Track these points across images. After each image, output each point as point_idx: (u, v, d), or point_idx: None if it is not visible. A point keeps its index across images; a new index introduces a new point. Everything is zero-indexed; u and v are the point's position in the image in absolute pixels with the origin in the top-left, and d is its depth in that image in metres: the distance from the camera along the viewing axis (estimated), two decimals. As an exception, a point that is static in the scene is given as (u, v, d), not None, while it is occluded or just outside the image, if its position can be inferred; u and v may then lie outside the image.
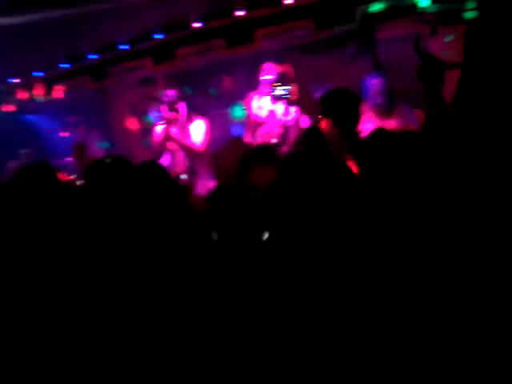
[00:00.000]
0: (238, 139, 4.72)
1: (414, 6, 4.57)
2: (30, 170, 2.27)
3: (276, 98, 2.15)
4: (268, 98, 4.88)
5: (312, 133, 2.95)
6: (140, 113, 6.20)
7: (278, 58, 5.51)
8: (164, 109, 5.01)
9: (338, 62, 5.36)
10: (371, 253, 1.24)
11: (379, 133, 1.99)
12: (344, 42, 5.24)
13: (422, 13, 4.62)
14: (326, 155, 1.49)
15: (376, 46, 5.25)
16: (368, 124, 4.49)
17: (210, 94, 5.24)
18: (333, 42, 5.18)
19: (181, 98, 5.01)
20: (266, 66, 4.71)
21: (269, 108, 4.79)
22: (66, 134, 6.86)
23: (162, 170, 2.60)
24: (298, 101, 2.10)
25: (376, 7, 4.27)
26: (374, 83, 4.39)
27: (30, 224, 2.05)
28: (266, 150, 2.34)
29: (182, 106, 4.98)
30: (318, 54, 5.37)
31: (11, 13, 4.12)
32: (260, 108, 4.82)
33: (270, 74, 4.71)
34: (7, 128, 6.98)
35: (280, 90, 2.14)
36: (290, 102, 2.17)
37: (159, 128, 5.11)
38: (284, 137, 4.54)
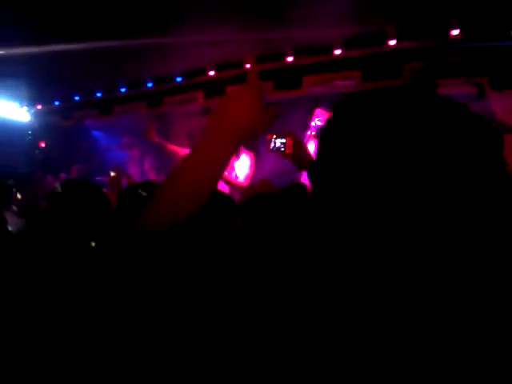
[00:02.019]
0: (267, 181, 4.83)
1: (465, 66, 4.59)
2: (72, 187, 2.39)
3: (272, 151, 2.20)
4: (313, 144, 4.97)
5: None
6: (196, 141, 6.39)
7: (330, 103, 5.64)
8: None
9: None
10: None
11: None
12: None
13: (473, 75, 4.63)
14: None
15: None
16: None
17: None
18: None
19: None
20: (318, 111, 4.83)
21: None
22: (122, 153, 7.15)
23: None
24: (291, 154, 2.15)
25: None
26: None
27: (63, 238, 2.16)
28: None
29: None
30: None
31: (78, 40, 4.46)
32: None
33: (321, 121, 4.84)
34: (66, 142, 7.40)
35: (276, 143, 2.19)
36: (284, 155, 2.21)
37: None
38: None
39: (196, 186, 1.02)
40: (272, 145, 2.17)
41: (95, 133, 7.76)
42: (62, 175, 6.36)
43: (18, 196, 4.04)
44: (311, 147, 4.93)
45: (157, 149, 6.82)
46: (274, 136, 2.16)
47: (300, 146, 2.19)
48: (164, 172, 6.48)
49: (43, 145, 7.80)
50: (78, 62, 5.09)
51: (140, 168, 6.97)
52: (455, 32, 4.33)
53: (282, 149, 2.16)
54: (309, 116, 5.84)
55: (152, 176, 6.66)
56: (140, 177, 6.64)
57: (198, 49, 4.68)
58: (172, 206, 1.01)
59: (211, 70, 5.32)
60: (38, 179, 4.40)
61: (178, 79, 5.63)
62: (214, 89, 5.48)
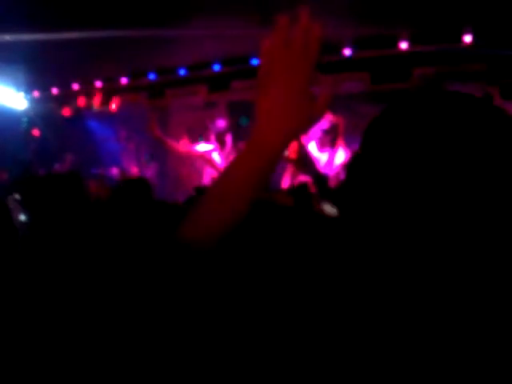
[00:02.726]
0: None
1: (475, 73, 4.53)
2: (56, 179, 2.32)
3: None
4: (314, 144, 4.91)
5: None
6: (196, 135, 6.36)
7: (335, 103, 5.53)
8: (211, 138, 5.13)
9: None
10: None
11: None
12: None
13: (484, 83, 4.57)
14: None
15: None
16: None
17: (241, 122, 5.28)
18: (399, 96, 5.16)
19: (230, 129, 5.12)
20: None
21: (315, 155, 4.82)
22: (118, 145, 7.04)
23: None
24: (295, 159, 2.08)
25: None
26: None
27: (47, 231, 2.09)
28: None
29: (229, 137, 5.07)
30: (379, 104, 5.36)
31: (79, 28, 4.34)
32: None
33: (323, 122, 4.76)
34: (62, 131, 7.27)
35: None
36: (288, 160, 2.13)
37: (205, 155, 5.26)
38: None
39: (237, 194, 0.87)
40: None
41: (91, 123, 7.65)
42: (57, 166, 6.25)
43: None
44: (312, 147, 4.87)
45: (153, 141, 6.70)
46: None
47: (303, 150, 2.12)
48: (158, 164, 6.39)
49: (37, 133, 7.67)
50: (78, 49, 4.97)
51: (136, 160, 6.86)
52: (468, 39, 4.26)
53: (286, 153, 2.08)
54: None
55: (147, 169, 6.56)
56: (137, 169, 6.55)
57: (204, 42, 4.58)
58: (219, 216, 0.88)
59: (216, 64, 5.21)
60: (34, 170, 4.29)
61: (182, 72, 5.52)
62: (218, 83, 5.38)
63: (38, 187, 2.23)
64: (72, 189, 2.24)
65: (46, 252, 1.97)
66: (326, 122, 4.79)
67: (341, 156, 4.68)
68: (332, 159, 4.83)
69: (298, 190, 2.99)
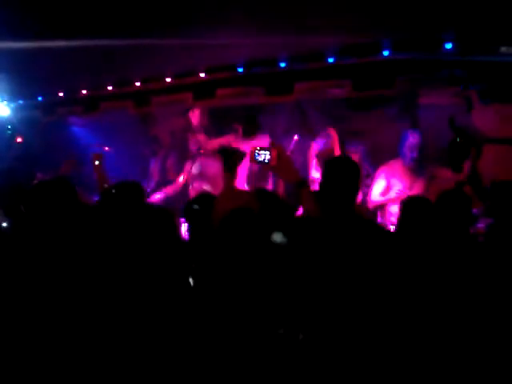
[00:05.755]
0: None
1: (455, 78, 4.63)
2: (48, 186, 2.35)
3: (255, 162, 2.14)
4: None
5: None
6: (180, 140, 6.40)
7: (317, 108, 5.67)
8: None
9: (377, 120, 5.47)
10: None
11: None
12: (385, 103, 5.36)
13: (463, 88, 4.69)
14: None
15: (417, 111, 5.37)
16: (400, 183, 4.61)
17: None
18: (374, 101, 5.31)
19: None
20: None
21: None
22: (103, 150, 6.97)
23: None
24: (276, 167, 2.10)
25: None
26: (412, 137, 4.65)
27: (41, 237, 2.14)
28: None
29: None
30: (359, 109, 5.50)
31: (65, 37, 4.34)
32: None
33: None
34: (46, 137, 7.24)
35: (260, 156, 2.13)
36: (269, 168, 2.16)
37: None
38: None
39: None
40: (256, 157, 2.11)
41: (75, 129, 7.63)
42: (39, 175, 6.18)
43: None
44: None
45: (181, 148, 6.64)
46: (258, 148, 2.10)
47: (285, 158, 2.13)
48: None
49: (20, 140, 7.61)
50: (64, 57, 4.96)
51: (161, 165, 6.78)
52: (448, 46, 4.35)
53: (267, 161, 2.10)
54: (293, 120, 5.88)
55: (171, 174, 6.52)
56: (159, 174, 6.57)
57: (189, 50, 4.61)
58: None
59: (201, 72, 5.24)
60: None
61: (168, 79, 5.54)
62: (203, 91, 5.42)
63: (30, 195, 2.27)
64: (63, 196, 2.28)
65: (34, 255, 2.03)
66: (322, 144, 4.98)
67: None
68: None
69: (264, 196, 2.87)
